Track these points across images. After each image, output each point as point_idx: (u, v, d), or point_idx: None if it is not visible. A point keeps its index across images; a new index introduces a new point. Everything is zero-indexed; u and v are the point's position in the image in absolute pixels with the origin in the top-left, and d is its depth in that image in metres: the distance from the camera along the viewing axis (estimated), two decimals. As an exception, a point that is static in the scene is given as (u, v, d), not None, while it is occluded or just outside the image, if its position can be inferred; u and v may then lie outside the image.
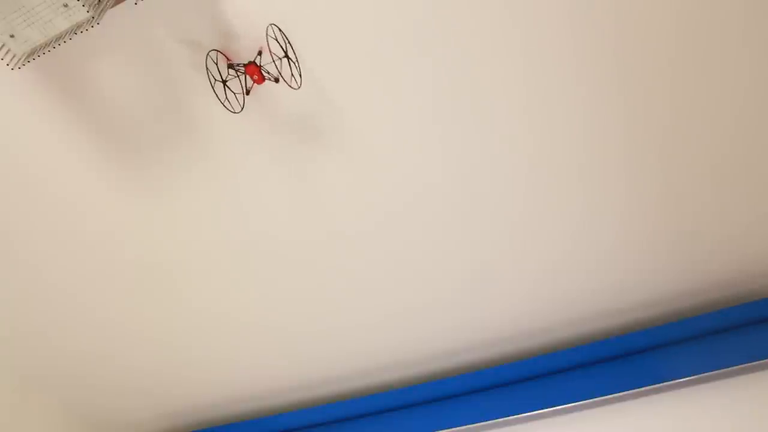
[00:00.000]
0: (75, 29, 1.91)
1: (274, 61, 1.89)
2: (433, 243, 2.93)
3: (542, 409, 2.90)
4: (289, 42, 1.97)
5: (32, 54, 1.97)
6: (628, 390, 2.78)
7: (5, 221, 2.90)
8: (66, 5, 1.81)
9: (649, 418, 2.73)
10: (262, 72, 2.00)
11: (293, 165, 2.68)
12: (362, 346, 3.37)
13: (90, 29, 2.17)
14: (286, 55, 1.95)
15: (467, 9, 2.22)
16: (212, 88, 1.98)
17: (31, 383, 3.60)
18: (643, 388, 2.76)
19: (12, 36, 1.87)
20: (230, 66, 2.05)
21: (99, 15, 1.92)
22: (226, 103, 1.96)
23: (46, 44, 1.95)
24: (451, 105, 2.47)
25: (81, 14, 1.85)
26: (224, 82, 2.02)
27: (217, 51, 2.06)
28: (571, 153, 2.59)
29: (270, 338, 3.38)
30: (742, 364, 2.65)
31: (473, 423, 3.01)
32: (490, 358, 3.36)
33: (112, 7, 2.13)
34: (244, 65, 1.98)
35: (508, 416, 2.95)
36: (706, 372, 2.68)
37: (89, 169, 2.70)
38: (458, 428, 3.04)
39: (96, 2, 1.93)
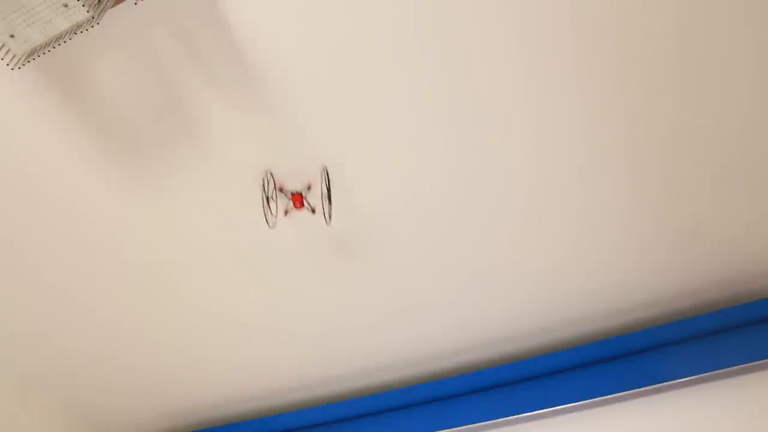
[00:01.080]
0: (75, 29, 1.91)
1: (323, 200, 2.23)
2: (433, 243, 2.93)
3: (542, 409, 2.90)
4: (329, 186, 2.27)
5: (32, 54, 1.96)
6: (628, 390, 2.78)
7: (5, 221, 2.89)
8: (66, 5, 1.81)
9: (649, 418, 2.73)
10: (305, 202, 2.28)
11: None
12: (362, 346, 3.37)
13: (90, 29, 2.17)
14: (329, 196, 2.26)
15: (468, 10, 2.22)
16: (262, 201, 2.24)
17: (31, 383, 3.60)
18: (643, 388, 2.76)
19: (12, 36, 1.86)
20: (280, 189, 2.33)
21: (99, 15, 1.92)
22: (269, 217, 2.25)
23: (46, 44, 1.95)
24: (450, 106, 2.47)
25: (81, 14, 1.85)
26: (268, 199, 2.27)
27: (271, 174, 2.35)
28: (571, 153, 2.59)
29: (270, 338, 3.38)
30: (741, 364, 2.66)
31: (473, 423, 3.01)
32: (490, 358, 3.36)
33: (112, 7, 2.13)
34: (292, 193, 2.27)
35: (508, 416, 2.95)
36: (706, 372, 2.68)
37: (89, 169, 2.69)
38: (458, 428, 3.04)
39: (96, 2, 1.93)
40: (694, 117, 2.44)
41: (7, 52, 1.96)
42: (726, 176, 2.61)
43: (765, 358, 2.64)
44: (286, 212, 2.41)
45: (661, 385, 2.74)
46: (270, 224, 2.23)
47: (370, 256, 3.01)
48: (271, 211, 2.26)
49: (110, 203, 2.82)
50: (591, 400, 2.83)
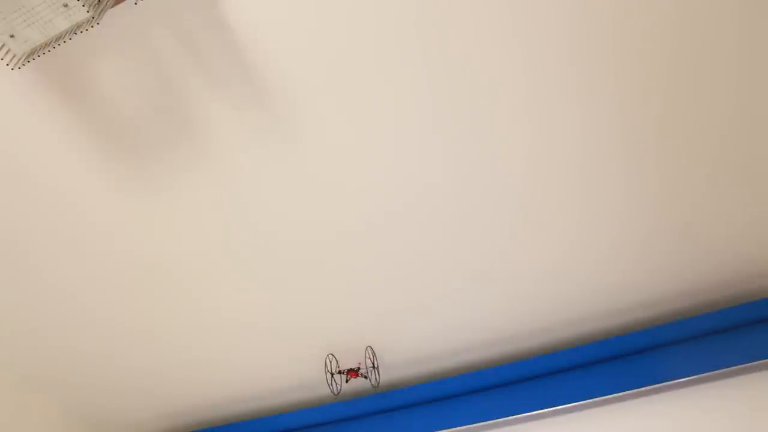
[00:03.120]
0: (75, 29, 1.91)
1: (374, 369, 3.17)
2: (433, 243, 2.93)
3: (542, 409, 2.90)
4: (376, 363, 3.21)
5: (32, 54, 1.96)
6: (628, 390, 2.78)
7: (5, 221, 2.90)
8: (66, 5, 1.81)
9: (649, 418, 2.73)
10: (359, 374, 3.13)
11: (294, 165, 2.69)
12: (361, 345, 3.37)
13: (90, 29, 2.17)
14: (374, 367, 3.17)
15: (469, 10, 2.22)
16: (326, 377, 3.12)
17: (31, 383, 3.60)
18: (643, 388, 2.77)
19: (12, 36, 1.86)
20: (340, 372, 3.15)
21: (99, 15, 1.92)
22: (333, 387, 3.14)
23: (46, 44, 1.95)
24: (450, 107, 2.47)
25: (81, 14, 1.85)
26: (332, 374, 3.13)
27: (332, 355, 3.26)
28: (570, 154, 2.59)
29: (270, 338, 3.38)
30: (741, 364, 2.66)
31: (473, 423, 3.01)
32: (490, 358, 3.36)
33: (112, 7, 2.13)
34: (348, 371, 3.14)
35: (508, 416, 2.95)
36: (706, 372, 2.68)
37: (89, 169, 2.70)
38: (458, 428, 3.04)
39: (96, 2, 1.93)
40: (692, 117, 2.44)
41: (7, 52, 1.96)
42: (724, 176, 2.61)
43: (765, 358, 2.64)
44: (347, 380, 3.17)
45: (661, 385, 2.74)
46: (334, 393, 3.12)
47: (369, 254, 3.02)
48: (335, 382, 3.13)
49: (110, 203, 2.82)
50: (591, 400, 2.83)
